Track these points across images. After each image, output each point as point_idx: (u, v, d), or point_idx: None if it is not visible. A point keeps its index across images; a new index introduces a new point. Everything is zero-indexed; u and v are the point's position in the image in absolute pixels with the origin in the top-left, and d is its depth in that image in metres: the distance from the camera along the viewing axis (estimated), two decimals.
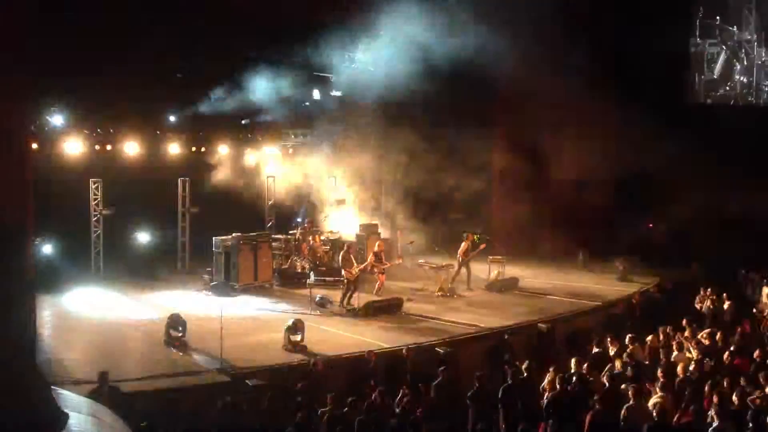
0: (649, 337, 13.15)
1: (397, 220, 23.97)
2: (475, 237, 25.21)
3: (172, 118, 21.19)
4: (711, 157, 21.24)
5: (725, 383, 10.12)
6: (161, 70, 20.04)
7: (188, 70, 20.71)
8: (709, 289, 17.06)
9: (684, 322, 14.48)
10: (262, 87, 20.80)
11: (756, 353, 11.98)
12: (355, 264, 17.88)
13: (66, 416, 3.26)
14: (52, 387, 3.39)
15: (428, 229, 22.88)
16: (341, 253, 18.44)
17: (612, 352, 12.73)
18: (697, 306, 16.75)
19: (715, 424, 8.51)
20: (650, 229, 24.12)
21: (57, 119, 18.53)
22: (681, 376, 10.80)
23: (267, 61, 21.72)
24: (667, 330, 13.66)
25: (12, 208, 14.68)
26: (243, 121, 22.46)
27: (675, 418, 9.16)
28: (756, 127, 23.52)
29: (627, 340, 12.92)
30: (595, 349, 13.11)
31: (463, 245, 19.92)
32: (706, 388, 9.78)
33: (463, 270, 19.92)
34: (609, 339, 13.13)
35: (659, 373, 10.63)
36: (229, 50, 20.94)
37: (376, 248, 19.03)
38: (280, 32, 20.82)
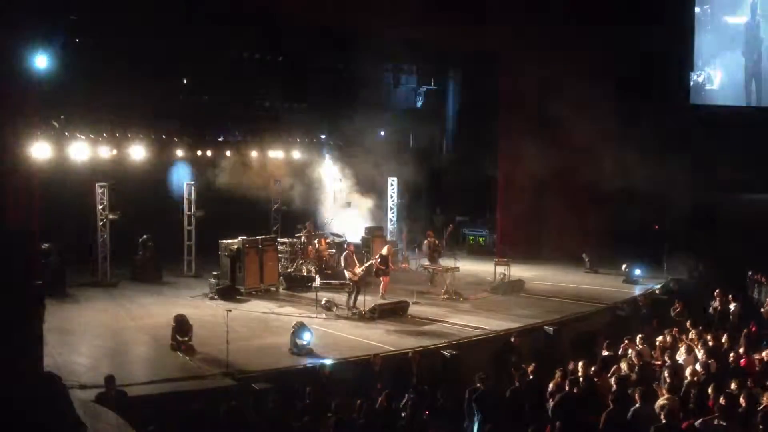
0: (659, 339, 13.14)
1: (403, 222, 24.02)
2: (480, 239, 25.28)
3: (178, 122, 21.26)
4: (711, 157, 21.25)
5: (732, 385, 10.09)
6: (166, 73, 20.17)
7: (193, 74, 20.79)
8: (717, 291, 17.05)
9: (690, 323, 14.48)
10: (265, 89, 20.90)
11: (763, 354, 11.97)
12: (357, 264, 17.92)
13: (84, 427, 3.27)
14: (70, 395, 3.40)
15: (434, 232, 22.86)
16: (343, 255, 18.49)
17: (621, 353, 12.74)
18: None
19: (721, 426, 8.49)
20: (656, 231, 24.08)
21: (63, 123, 18.57)
22: (688, 377, 10.79)
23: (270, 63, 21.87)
24: (674, 332, 13.65)
25: (18, 214, 14.70)
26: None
27: (681, 420, 9.14)
28: (753, 127, 23.56)
29: (637, 340, 12.92)
30: (604, 352, 13.11)
31: (425, 243, 20.05)
32: (713, 390, 9.76)
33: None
34: (626, 341, 13.14)
35: (666, 374, 10.61)
36: (231, 51, 21.09)
37: (384, 251, 19.02)
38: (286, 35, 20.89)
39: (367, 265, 18.47)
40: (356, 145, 23.78)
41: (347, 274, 17.75)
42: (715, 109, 26.37)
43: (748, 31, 26.45)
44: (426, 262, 20.55)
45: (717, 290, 17.07)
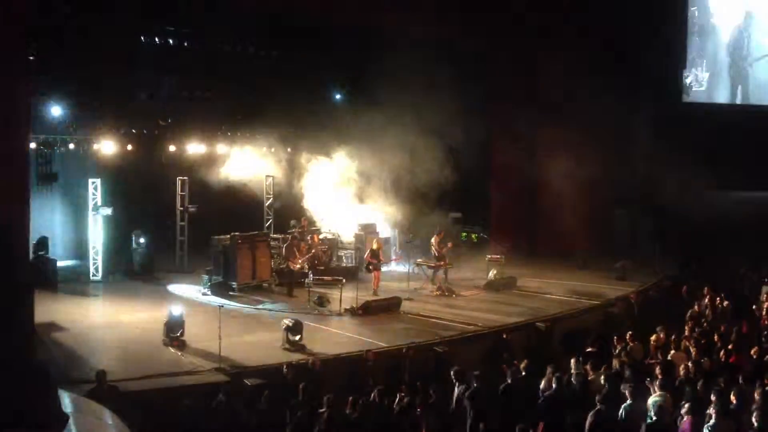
0: (653, 337, 13.18)
1: (396, 218, 23.97)
2: (473, 235, 25.26)
3: (169, 120, 21.18)
4: (704, 156, 21.32)
5: (723, 382, 10.13)
6: (161, 68, 20.11)
7: (187, 69, 20.73)
8: (705, 289, 17.10)
9: (683, 320, 14.54)
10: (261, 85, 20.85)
11: (753, 351, 12.01)
12: (298, 255, 18.60)
13: (66, 417, 3.27)
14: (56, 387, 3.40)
15: (427, 228, 22.85)
16: (285, 244, 18.79)
17: (613, 351, 12.78)
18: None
19: (711, 422, 8.52)
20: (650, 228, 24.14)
21: (54, 111, 18.46)
22: (680, 375, 10.82)
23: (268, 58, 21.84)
24: (666, 329, 13.68)
25: (10, 208, 14.66)
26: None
27: (673, 417, 9.17)
28: (746, 127, 23.69)
29: (627, 338, 12.96)
30: (592, 348, 13.13)
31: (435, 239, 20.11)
32: (702, 387, 9.79)
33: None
34: (615, 338, 13.18)
35: (658, 372, 10.64)
36: (229, 46, 21.06)
37: (374, 245, 19.07)
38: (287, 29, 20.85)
39: (308, 256, 18.80)
40: (355, 139, 23.72)
41: (288, 263, 18.62)
42: (707, 107, 26.50)
43: (735, 34, 26.62)
44: (419, 259, 20.56)
45: (705, 288, 17.11)
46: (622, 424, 9.18)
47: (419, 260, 20.40)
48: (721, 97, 27.03)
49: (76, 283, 18.95)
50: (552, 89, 22.35)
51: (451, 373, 11.37)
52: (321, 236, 21.26)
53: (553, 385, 10.28)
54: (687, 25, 26.77)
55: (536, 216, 25.21)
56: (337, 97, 24.90)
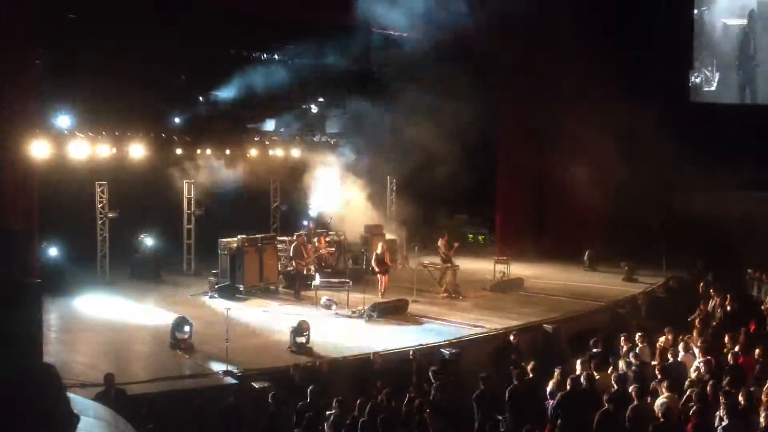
0: (661, 339, 13.14)
1: (402, 220, 23.98)
2: (480, 237, 25.24)
3: (176, 120, 21.23)
4: (711, 156, 21.22)
5: (729, 383, 10.10)
6: (165, 72, 20.14)
7: (192, 72, 20.78)
8: (711, 290, 17.04)
9: (691, 322, 14.48)
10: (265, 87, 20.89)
11: (757, 352, 11.96)
12: (306, 255, 18.82)
13: (77, 418, 3.28)
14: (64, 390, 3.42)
15: (433, 230, 22.85)
16: (293, 245, 18.88)
17: (620, 351, 12.75)
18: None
19: (723, 424, 8.50)
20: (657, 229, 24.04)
21: (62, 122, 18.53)
22: (688, 376, 10.80)
23: (269, 60, 21.88)
24: (673, 330, 13.64)
25: (17, 212, 14.72)
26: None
27: (681, 418, 9.14)
28: (751, 126, 23.59)
29: (637, 338, 12.93)
30: (599, 349, 13.11)
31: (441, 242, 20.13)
32: (711, 388, 9.76)
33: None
34: (623, 338, 13.16)
35: (665, 372, 10.61)
36: (232, 50, 21.09)
37: (379, 249, 19.07)
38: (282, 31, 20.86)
39: (315, 256, 18.92)
40: (357, 141, 23.73)
41: (294, 263, 18.82)
42: (715, 107, 26.43)
43: (744, 34, 26.55)
44: (426, 261, 20.55)
45: (711, 289, 17.05)
46: (630, 424, 9.16)
47: (426, 262, 20.38)
48: (730, 97, 26.96)
49: (82, 285, 18.98)
50: (559, 89, 22.29)
51: (429, 372, 11.72)
52: (328, 238, 21.29)
53: (567, 386, 10.26)
54: (693, 24, 26.70)
55: (543, 217, 25.16)
56: (344, 97, 24.92)
